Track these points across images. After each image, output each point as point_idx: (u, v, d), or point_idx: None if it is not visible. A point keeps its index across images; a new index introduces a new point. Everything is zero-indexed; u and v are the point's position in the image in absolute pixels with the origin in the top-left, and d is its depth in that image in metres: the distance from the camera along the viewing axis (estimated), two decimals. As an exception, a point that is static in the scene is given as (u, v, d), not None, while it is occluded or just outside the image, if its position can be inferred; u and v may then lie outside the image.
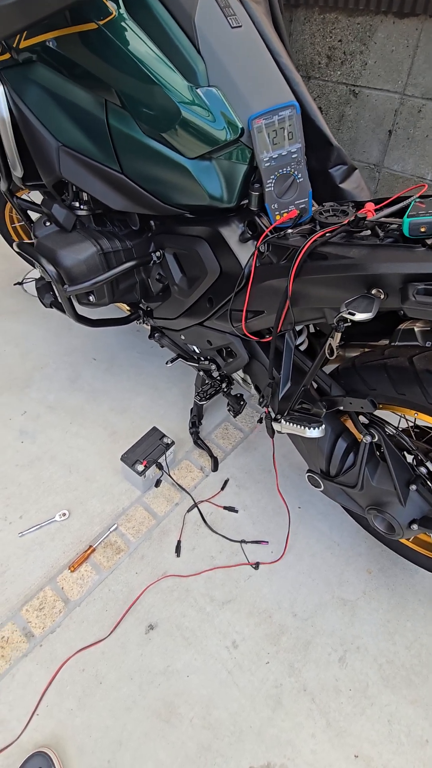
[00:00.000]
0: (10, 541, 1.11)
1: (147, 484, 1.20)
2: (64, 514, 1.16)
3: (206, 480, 1.26)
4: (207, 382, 1.20)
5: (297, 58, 1.44)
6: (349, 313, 0.58)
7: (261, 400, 0.95)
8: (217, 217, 0.86)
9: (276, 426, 0.88)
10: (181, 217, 0.93)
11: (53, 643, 0.95)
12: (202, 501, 1.20)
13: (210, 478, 1.26)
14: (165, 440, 1.22)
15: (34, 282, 1.85)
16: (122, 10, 0.70)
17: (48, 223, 1.02)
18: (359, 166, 1.47)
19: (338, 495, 0.93)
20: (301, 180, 0.75)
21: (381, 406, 0.82)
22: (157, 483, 1.23)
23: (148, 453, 1.18)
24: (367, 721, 0.88)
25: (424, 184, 0.69)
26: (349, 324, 0.63)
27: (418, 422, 0.91)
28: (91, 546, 1.09)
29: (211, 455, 1.29)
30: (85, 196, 0.99)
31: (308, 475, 0.95)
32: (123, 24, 0.70)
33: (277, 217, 0.77)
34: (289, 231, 0.76)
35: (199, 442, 1.31)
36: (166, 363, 1.24)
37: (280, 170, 0.74)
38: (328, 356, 0.71)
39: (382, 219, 0.66)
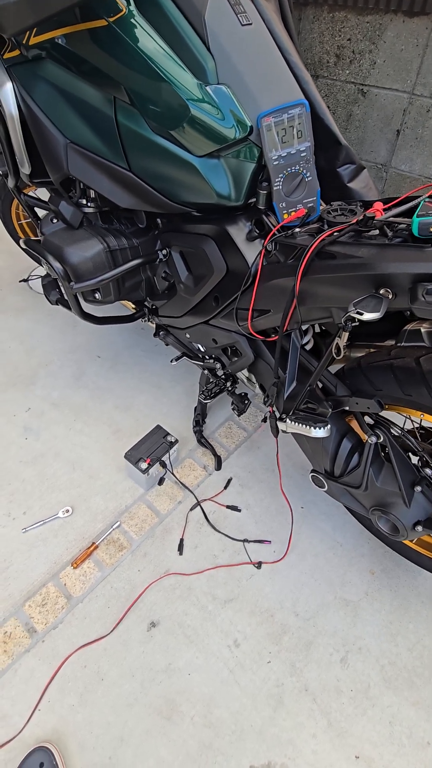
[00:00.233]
0: (14, 537, 1.11)
1: (150, 482, 1.21)
2: (68, 511, 1.16)
3: (209, 479, 1.26)
4: (211, 380, 1.20)
5: (305, 56, 1.43)
6: (357, 313, 0.58)
7: (266, 399, 0.94)
8: (225, 216, 0.86)
9: (281, 425, 0.88)
10: (188, 215, 0.92)
11: (55, 639, 0.96)
12: (205, 500, 1.20)
13: (213, 477, 1.26)
14: (169, 438, 1.22)
15: (39, 279, 1.85)
16: (132, 7, 0.69)
17: (55, 220, 1.02)
18: (366, 165, 1.46)
19: (342, 495, 0.93)
20: (309, 179, 0.75)
21: (387, 406, 0.82)
22: (161, 481, 1.23)
23: (151, 451, 1.19)
24: (368, 722, 0.88)
25: (433, 183, 0.68)
26: (357, 324, 0.63)
27: (424, 423, 0.91)
28: (93, 543, 1.10)
29: (215, 454, 1.29)
30: (92, 194, 0.99)
31: (312, 475, 0.95)
32: (133, 21, 0.70)
33: (285, 216, 0.77)
34: (297, 230, 0.76)
35: (202, 440, 1.31)
36: (171, 361, 1.24)
37: (289, 169, 0.73)
38: (335, 356, 0.70)
39: (391, 219, 0.66)
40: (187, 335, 1.12)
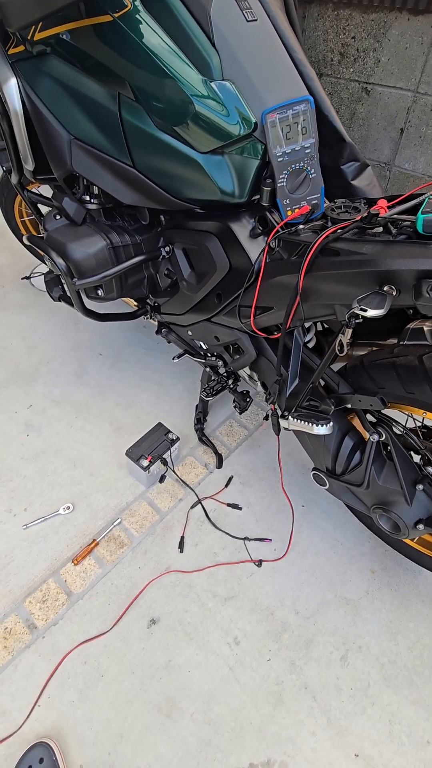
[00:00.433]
0: (15, 533, 1.11)
1: (151, 479, 1.21)
2: (69, 508, 1.16)
3: (210, 477, 1.26)
4: (213, 378, 1.20)
5: (309, 54, 1.43)
6: (361, 309, 0.57)
7: (268, 396, 0.94)
8: (228, 213, 0.85)
9: (283, 423, 0.87)
10: (192, 212, 0.92)
11: (56, 635, 0.96)
12: (205, 497, 1.20)
13: (214, 475, 1.26)
14: (170, 436, 1.22)
15: (41, 276, 1.86)
16: (137, 3, 0.69)
17: (58, 217, 1.02)
18: (370, 164, 1.46)
19: (343, 493, 0.93)
20: (313, 175, 0.75)
21: (389, 404, 0.82)
22: (162, 478, 1.23)
23: (153, 448, 1.19)
24: (368, 720, 0.88)
25: (437, 181, 0.68)
26: (360, 320, 0.63)
27: (426, 422, 0.91)
28: (94, 540, 1.10)
29: (216, 452, 1.29)
30: (95, 190, 0.99)
31: (314, 473, 0.95)
32: (138, 16, 0.70)
33: (289, 213, 0.76)
34: (301, 227, 0.76)
35: (203, 438, 1.31)
36: (173, 359, 1.24)
37: (293, 165, 0.73)
38: (338, 352, 0.70)
39: (395, 216, 0.66)
40: (190, 333, 1.12)
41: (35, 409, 1.40)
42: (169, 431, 1.23)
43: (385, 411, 0.82)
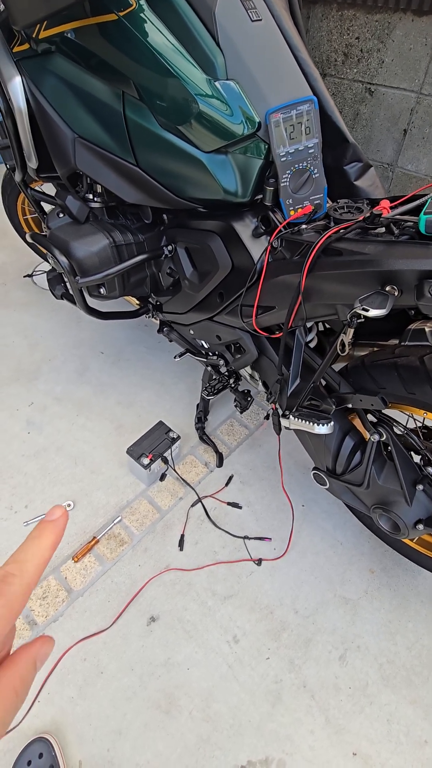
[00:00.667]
0: (15, 530, 1.12)
1: (152, 477, 1.21)
2: (69, 505, 1.17)
3: (211, 475, 1.26)
4: (215, 377, 1.20)
5: (313, 55, 1.43)
6: (363, 309, 0.58)
7: (269, 396, 0.95)
8: (231, 212, 0.86)
9: (284, 422, 0.88)
10: (194, 211, 0.93)
11: (55, 632, 0.96)
12: (206, 496, 1.21)
13: (214, 474, 1.26)
14: (171, 435, 1.22)
15: (43, 274, 1.86)
16: (142, 2, 0.70)
17: (61, 215, 1.03)
18: (373, 164, 1.46)
19: (343, 493, 0.93)
20: (317, 175, 0.75)
21: (390, 405, 0.82)
22: (162, 477, 1.23)
23: (153, 447, 1.19)
24: (366, 719, 0.88)
25: (440, 182, 0.68)
26: (362, 320, 0.63)
27: (427, 422, 0.91)
28: (95, 537, 1.10)
29: (216, 451, 1.29)
30: (98, 189, 0.99)
31: (314, 473, 0.95)
32: (143, 15, 0.70)
33: (292, 213, 0.77)
34: (303, 226, 0.76)
35: (204, 437, 1.32)
36: (175, 357, 1.24)
37: (296, 165, 0.73)
38: (339, 352, 0.71)
39: (398, 216, 0.66)
40: (191, 331, 1.12)
41: (37, 406, 1.40)
42: (170, 430, 1.23)
43: (386, 411, 0.83)
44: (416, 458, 0.84)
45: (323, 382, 0.85)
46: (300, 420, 0.82)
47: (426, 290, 0.55)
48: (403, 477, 0.79)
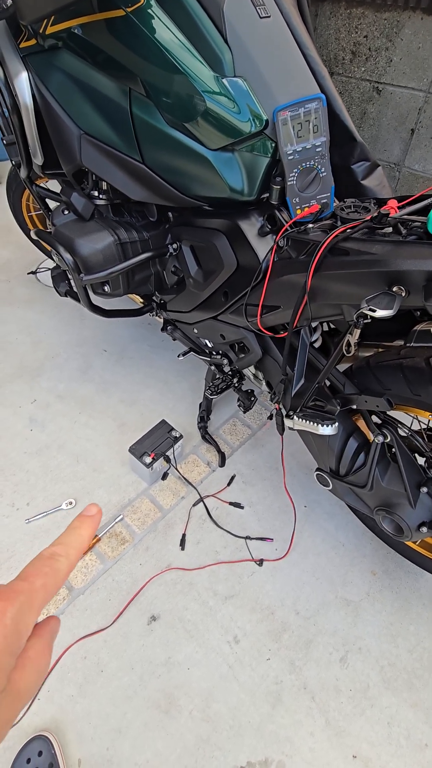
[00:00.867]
0: (17, 527, 1.12)
1: (154, 476, 1.21)
2: (71, 503, 1.17)
3: (213, 475, 1.26)
4: (218, 376, 1.20)
5: (321, 53, 1.42)
6: (370, 310, 0.57)
7: (272, 396, 0.94)
8: (237, 210, 0.85)
9: (288, 422, 0.87)
10: (200, 209, 0.92)
11: (56, 630, 0.96)
12: (208, 496, 1.20)
13: (217, 474, 1.26)
14: (173, 434, 1.22)
15: (47, 271, 1.86)
16: (150, -3, 0.69)
17: (66, 212, 1.02)
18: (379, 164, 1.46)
19: (347, 495, 0.92)
20: (324, 174, 0.74)
21: (395, 406, 0.81)
22: (164, 476, 1.23)
23: (156, 446, 1.19)
24: (366, 722, 0.88)
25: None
26: (369, 321, 0.62)
27: (432, 425, 0.90)
28: (96, 535, 1.10)
29: (219, 451, 1.29)
30: (104, 186, 0.98)
31: (317, 474, 0.95)
32: (150, 11, 0.70)
33: (298, 212, 0.76)
34: (310, 226, 0.75)
35: (207, 436, 1.31)
36: (178, 356, 1.24)
37: (304, 164, 0.73)
38: (345, 353, 0.70)
39: (405, 216, 0.65)
40: (195, 330, 1.12)
41: (39, 404, 1.40)
42: (172, 429, 1.23)
43: (390, 412, 0.82)
44: (420, 460, 0.83)
45: (327, 383, 0.85)
46: (304, 420, 0.82)
47: (434, 291, 0.55)
48: (407, 479, 0.79)
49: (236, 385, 1.19)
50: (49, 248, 1.11)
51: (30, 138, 0.94)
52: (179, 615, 0.99)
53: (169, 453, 1.19)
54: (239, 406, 1.27)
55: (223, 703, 0.89)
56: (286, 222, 0.79)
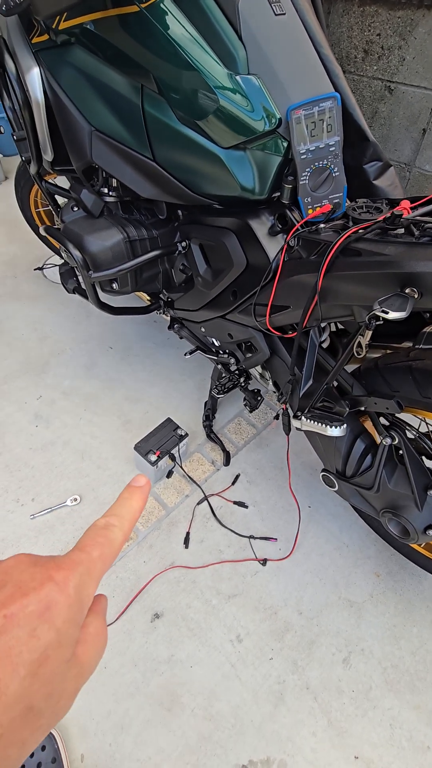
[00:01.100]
0: (22, 522, 1.12)
1: (158, 474, 1.21)
2: (76, 500, 1.17)
3: (217, 474, 1.26)
4: (224, 375, 1.19)
5: (333, 51, 1.41)
6: (383, 312, 0.57)
7: (279, 396, 0.94)
8: (247, 209, 0.85)
9: (295, 423, 0.87)
10: (210, 207, 0.92)
11: (60, 625, 0.96)
12: (212, 494, 1.20)
13: (221, 473, 1.26)
14: (179, 432, 1.22)
15: (53, 268, 1.86)
16: (165, -7, 0.69)
17: (75, 209, 1.02)
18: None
19: (352, 496, 0.92)
20: (337, 174, 0.74)
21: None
22: (169, 474, 1.23)
23: (161, 443, 1.19)
24: (368, 723, 0.88)
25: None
26: (381, 322, 0.62)
27: (440, 427, 0.90)
28: (100, 532, 1.10)
29: (224, 449, 1.29)
30: (114, 183, 0.98)
31: (323, 475, 0.95)
32: (164, 7, 0.69)
33: (310, 211, 0.76)
34: (321, 226, 0.75)
35: (212, 435, 1.31)
36: (185, 354, 1.24)
37: (317, 163, 0.72)
38: (356, 354, 0.70)
39: (418, 217, 0.65)
40: (203, 329, 1.11)
41: (45, 400, 1.40)
42: (178, 427, 1.23)
43: (398, 414, 0.82)
44: (428, 463, 0.83)
45: (335, 384, 0.84)
46: (312, 421, 0.82)
47: (448, 293, 0.54)
48: (414, 481, 0.79)
49: (243, 384, 1.19)
50: (57, 245, 1.11)
51: (40, 134, 0.93)
52: (182, 613, 1.00)
53: (174, 451, 1.19)
54: (245, 405, 1.27)
55: (225, 701, 0.89)
56: (298, 221, 0.78)
